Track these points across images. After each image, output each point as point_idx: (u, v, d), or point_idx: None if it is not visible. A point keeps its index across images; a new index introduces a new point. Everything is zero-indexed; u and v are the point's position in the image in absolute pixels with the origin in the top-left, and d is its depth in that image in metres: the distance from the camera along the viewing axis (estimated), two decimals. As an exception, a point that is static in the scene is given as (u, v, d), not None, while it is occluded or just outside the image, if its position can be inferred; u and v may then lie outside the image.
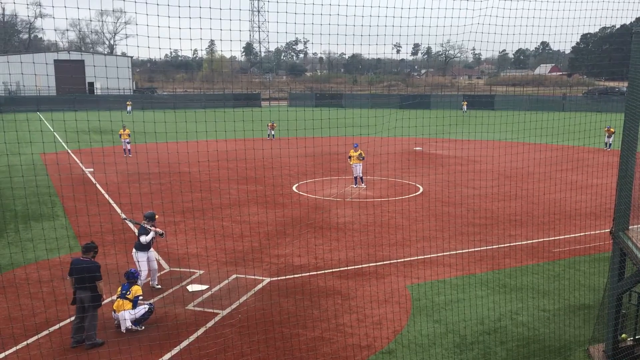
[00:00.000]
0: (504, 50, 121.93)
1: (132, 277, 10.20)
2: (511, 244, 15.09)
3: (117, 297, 10.09)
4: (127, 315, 9.83)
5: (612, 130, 33.43)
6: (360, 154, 22.18)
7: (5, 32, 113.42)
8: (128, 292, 10.01)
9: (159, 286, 11.92)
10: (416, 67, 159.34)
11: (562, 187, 20.57)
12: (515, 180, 22.83)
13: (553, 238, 15.69)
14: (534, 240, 15.47)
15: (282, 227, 16.75)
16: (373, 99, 77.67)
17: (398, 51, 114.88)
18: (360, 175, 22.46)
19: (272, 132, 39.75)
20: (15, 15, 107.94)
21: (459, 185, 21.76)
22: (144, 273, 11.57)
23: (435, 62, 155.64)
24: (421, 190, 22.28)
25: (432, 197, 20.76)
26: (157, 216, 12.15)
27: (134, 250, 11.78)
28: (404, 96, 79.91)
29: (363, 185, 22.33)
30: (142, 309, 9.97)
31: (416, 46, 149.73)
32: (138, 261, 11.63)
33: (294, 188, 22.59)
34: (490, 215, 18.10)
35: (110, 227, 15.95)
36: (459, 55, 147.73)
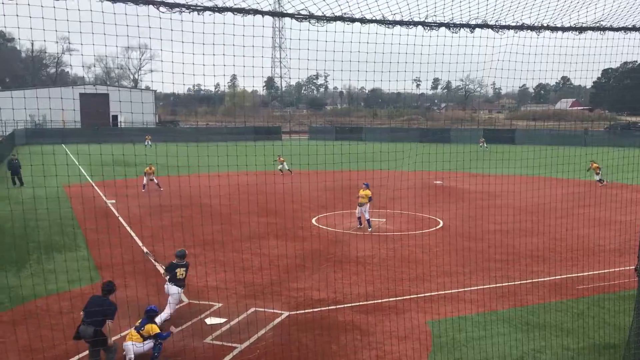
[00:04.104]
0: (524, 85, 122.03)
1: (151, 315, 10.22)
2: (534, 280, 14.82)
3: (133, 328, 10.11)
4: (132, 347, 9.80)
5: (596, 165, 32.83)
6: (368, 195, 20.94)
7: (34, 66, 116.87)
8: (142, 328, 10.01)
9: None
10: (436, 101, 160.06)
11: (585, 223, 20.24)
12: (537, 216, 22.54)
13: (577, 275, 15.37)
14: (557, 277, 15.17)
15: (301, 260, 16.69)
16: (393, 132, 77.90)
17: (418, 85, 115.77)
18: (367, 217, 20.93)
19: (282, 166, 38.90)
20: (44, 50, 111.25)
21: (479, 219, 21.54)
22: (173, 306, 11.78)
23: (455, 96, 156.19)
24: (441, 224, 22.10)
25: (453, 232, 20.56)
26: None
27: (179, 288, 11.93)
28: (423, 130, 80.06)
29: (369, 229, 20.79)
30: (148, 345, 9.93)
31: (436, 80, 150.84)
32: (170, 294, 11.82)
33: (313, 221, 22.57)
34: (512, 250, 17.84)
35: (131, 259, 16.06)
36: (479, 89, 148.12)
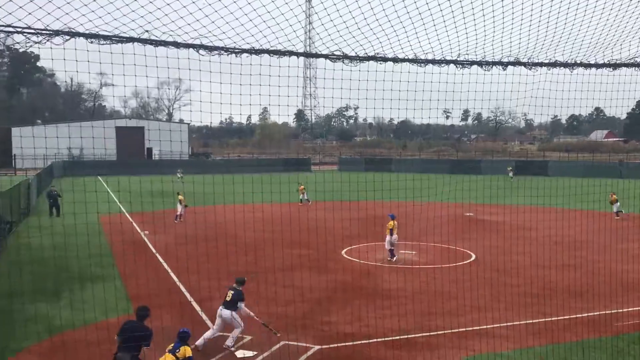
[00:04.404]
0: (556, 116, 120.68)
1: (183, 337, 10.25)
2: (571, 317, 14.42)
3: (167, 352, 10.13)
4: None
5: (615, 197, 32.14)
6: (395, 226, 21.11)
7: (72, 100, 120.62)
8: (177, 350, 10.03)
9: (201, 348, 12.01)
10: (466, 132, 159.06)
11: (623, 257, 19.70)
12: (574, 249, 22.06)
13: (616, 311, 14.90)
14: (595, 313, 14.74)
15: (331, 292, 16.60)
16: (423, 164, 77.56)
17: (448, 117, 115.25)
18: (390, 247, 21.15)
19: (302, 197, 38.52)
20: (82, 84, 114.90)
21: (513, 253, 21.16)
22: (239, 329, 12.22)
23: (485, 128, 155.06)
24: (473, 257, 21.77)
25: (485, 265, 20.22)
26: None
27: (227, 311, 12.23)
28: (454, 161, 79.54)
29: (395, 259, 21.02)
30: None
31: (466, 112, 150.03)
32: (234, 319, 12.16)
33: (343, 253, 22.49)
34: (548, 285, 17.42)
35: (162, 289, 16.22)
36: (510, 120, 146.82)
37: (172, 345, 10.22)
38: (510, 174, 61.17)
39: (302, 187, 38.97)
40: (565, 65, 7.26)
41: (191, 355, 10.14)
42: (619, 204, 32.03)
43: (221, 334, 12.58)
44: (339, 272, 19.09)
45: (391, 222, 21.15)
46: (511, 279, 18.15)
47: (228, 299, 12.27)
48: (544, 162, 75.59)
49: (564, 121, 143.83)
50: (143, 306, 10.13)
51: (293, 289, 16.70)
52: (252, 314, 12.47)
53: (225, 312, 12.20)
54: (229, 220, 22.24)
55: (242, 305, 12.25)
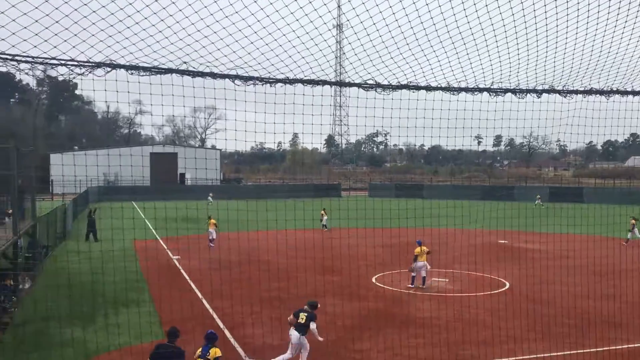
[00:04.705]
0: (592, 141, 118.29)
1: (211, 337, 10.26)
2: (610, 348, 13.95)
3: (197, 358, 10.12)
4: None
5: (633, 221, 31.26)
6: (424, 251, 20.77)
7: (109, 127, 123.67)
8: (207, 353, 10.04)
9: None
10: (498, 158, 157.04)
11: (665, 287, 19.05)
12: (613, 278, 21.39)
13: (658, 343, 14.38)
14: (634, 345, 14.24)
15: (362, 320, 16.44)
16: (454, 190, 76.76)
17: (479, 142, 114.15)
18: (415, 274, 20.89)
19: (323, 221, 37.98)
20: (118, 112, 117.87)
21: (549, 282, 20.67)
22: (306, 353, 12.38)
23: (518, 153, 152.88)
24: (507, 285, 21.33)
25: (520, 294, 19.78)
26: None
27: (297, 333, 12.41)
28: (486, 187, 78.54)
29: (414, 285, 20.78)
30: None
31: (498, 137, 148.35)
32: (304, 342, 12.34)
33: (373, 279, 22.30)
34: (585, 315, 16.93)
35: (194, 315, 16.29)
36: (543, 146, 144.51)
37: (200, 350, 10.20)
38: (538, 202, 60.52)
39: (324, 211, 38.58)
40: (601, 92, 7.16)
41: (221, 354, 10.12)
42: (637, 230, 31.23)
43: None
44: (370, 299, 18.90)
45: (417, 249, 20.83)
46: (547, 309, 17.69)
47: (302, 321, 12.43)
48: (579, 188, 74.04)
49: (599, 147, 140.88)
50: (173, 327, 10.23)
51: (325, 316, 16.57)
52: (320, 338, 12.64)
53: (296, 335, 12.38)
54: (261, 246, 22.30)
55: (313, 325, 12.42)
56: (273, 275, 21.74)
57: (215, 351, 10.12)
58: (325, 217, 38.58)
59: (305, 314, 12.50)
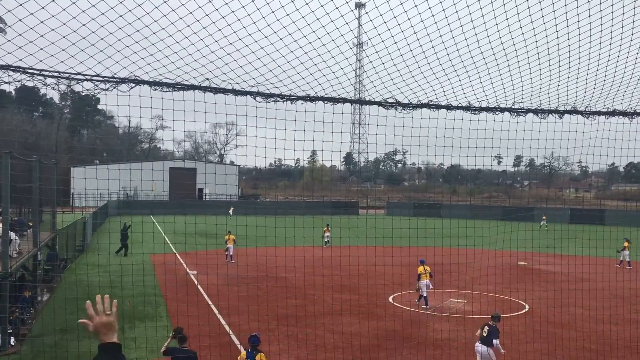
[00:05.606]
0: (614, 163, 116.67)
1: (256, 343, 10.23)
2: (633, 376, 13.60)
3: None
4: None
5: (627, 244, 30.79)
6: (427, 271, 20.71)
7: (129, 142, 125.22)
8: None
9: None
10: (518, 178, 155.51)
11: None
12: (635, 303, 20.97)
13: (683, 371, 13.98)
14: (660, 373, 13.86)
15: (380, 340, 16.26)
16: (473, 209, 76.09)
17: (499, 162, 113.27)
18: (423, 293, 20.75)
19: (327, 239, 37.54)
20: (139, 127, 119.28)
21: (569, 305, 20.29)
22: None
23: (539, 174, 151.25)
24: (526, 308, 20.98)
25: (540, 317, 19.44)
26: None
27: (483, 347, 12.63)
28: (506, 208, 77.75)
29: (428, 306, 20.63)
30: None
31: (518, 158, 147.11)
32: (490, 355, 12.58)
33: (390, 299, 22.10)
34: (608, 340, 16.55)
35: (209, 330, 16.26)
36: (564, 167, 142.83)
37: (245, 354, 10.15)
38: (544, 222, 60.06)
39: (327, 228, 38.29)
40: (624, 114, 7.08)
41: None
42: (627, 252, 30.76)
43: None
44: (387, 319, 18.72)
45: (420, 267, 20.67)
46: (568, 333, 17.35)
47: (484, 334, 12.58)
48: (600, 210, 72.94)
49: (621, 169, 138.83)
50: (179, 328, 10.30)
51: (341, 335, 16.46)
52: (503, 350, 12.74)
53: (483, 349, 12.52)
54: (279, 262, 22.28)
55: (496, 342, 12.49)
56: (290, 292, 21.67)
57: (261, 357, 10.09)
58: (327, 234, 38.36)
59: (488, 328, 12.68)
